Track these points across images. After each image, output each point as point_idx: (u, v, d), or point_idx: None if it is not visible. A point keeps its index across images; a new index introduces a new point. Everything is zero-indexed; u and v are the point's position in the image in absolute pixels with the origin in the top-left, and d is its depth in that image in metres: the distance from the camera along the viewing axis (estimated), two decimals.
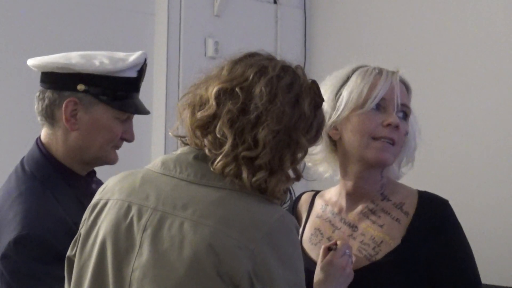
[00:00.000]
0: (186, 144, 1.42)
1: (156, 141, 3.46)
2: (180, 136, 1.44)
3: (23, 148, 1.86)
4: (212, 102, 1.35)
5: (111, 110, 1.77)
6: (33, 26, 3.08)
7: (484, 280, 1.70)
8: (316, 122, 1.39)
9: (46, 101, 1.77)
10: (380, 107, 1.67)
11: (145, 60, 1.82)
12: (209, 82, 1.39)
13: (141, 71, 1.81)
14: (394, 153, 1.68)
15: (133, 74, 1.78)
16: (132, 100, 1.80)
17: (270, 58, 1.41)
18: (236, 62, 1.39)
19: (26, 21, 3.06)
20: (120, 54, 1.79)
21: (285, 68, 1.39)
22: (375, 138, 1.66)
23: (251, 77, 1.35)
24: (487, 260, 2.17)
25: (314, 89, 1.40)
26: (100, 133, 1.77)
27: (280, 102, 1.33)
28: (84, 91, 1.74)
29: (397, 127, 1.66)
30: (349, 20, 3.72)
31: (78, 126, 1.76)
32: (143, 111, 1.84)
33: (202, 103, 1.37)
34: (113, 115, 1.78)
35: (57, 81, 1.77)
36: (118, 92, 1.77)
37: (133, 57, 1.78)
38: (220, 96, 1.35)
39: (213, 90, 1.35)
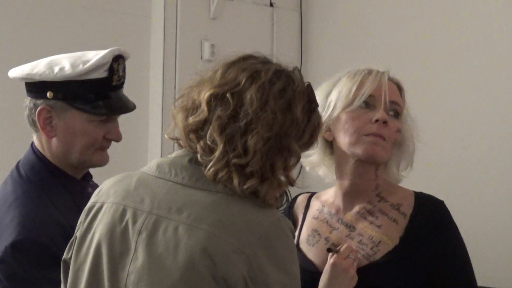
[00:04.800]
0: (182, 147, 1.41)
1: (153, 144, 3.45)
2: (176, 139, 1.43)
3: (19, 152, 1.85)
4: (204, 107, 1.34)
5: (84, 114, 1.74)
6: (30, 29, 3.07)
7: (480, 282, 1.71)
8: (309, 127, 1.38)
9: (27, 110, 1.78)
10: (368, 104, 1.69)
11: (116, 57, 1.76)
12: (202, 85, 1.38)
13: (111, 70, 1.76)
14: (385, 148, 1.68)
15: (102, 74, 1.74)
16: (108, 100, 1.76)
17: (265, 62, 1.39)
18: (230, 65, 1.38)
19: (23, 23, 3.06)
20: (89, 55, 1.75)
21: (279, 73, 1.37)
22: (364, 135, 1.67)
23: (243, 82, 1.34)
24: (482, 262, 2.17)
25: (308, 93, 1.39)
26: (78, 138, 1.75)
27: (271, 108, 1.32)
28: (55, 98, 1.73)
29: (385, 122, 1.67)
30: (345, 22, 3.72)
31: (55, 133, 1.75)
32: (120, 110, 1.80)
33: (195, 108, 1.36)
34: (87, 118, 1.74)
35: (31, 89, 1.77)
36: (88, 95, 1.73)
37: (96, 58, 1.73)
38: (211, 102, 1.34)
39: (205, 95, 1.34)
